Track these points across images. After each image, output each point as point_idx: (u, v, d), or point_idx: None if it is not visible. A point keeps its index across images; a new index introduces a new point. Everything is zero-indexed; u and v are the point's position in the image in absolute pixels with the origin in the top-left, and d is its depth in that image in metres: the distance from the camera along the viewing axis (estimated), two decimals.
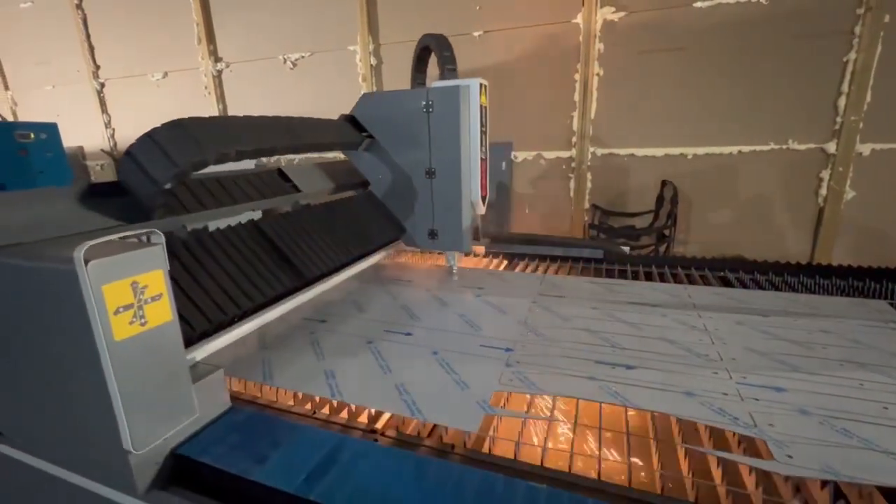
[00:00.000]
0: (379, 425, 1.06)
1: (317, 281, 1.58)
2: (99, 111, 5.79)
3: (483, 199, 1.90)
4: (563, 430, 1.09)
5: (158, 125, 1.09)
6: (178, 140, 1.07)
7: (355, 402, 1.08)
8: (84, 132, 5.95)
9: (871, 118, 3.18)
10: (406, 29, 4.22)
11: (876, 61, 3.09)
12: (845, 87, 3.19)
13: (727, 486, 0.85)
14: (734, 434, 0.94)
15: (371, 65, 4.38)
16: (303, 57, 4.63)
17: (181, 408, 0.89)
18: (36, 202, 1.02)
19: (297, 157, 4.26)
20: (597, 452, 0.93)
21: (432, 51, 2.05)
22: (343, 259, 1.74)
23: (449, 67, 1.91)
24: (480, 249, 2.34)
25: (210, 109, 5.08)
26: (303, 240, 1.61)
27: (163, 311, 0.84)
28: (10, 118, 6.23)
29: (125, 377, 0.77)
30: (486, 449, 0.96)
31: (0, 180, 4.33)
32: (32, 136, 4.53)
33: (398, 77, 4.37)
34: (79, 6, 5.47)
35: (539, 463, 0.89)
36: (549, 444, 0.96)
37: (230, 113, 5.00)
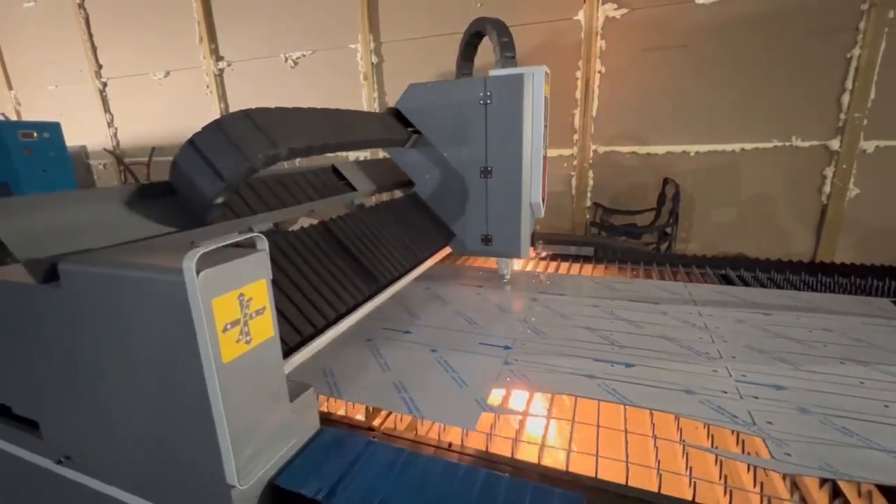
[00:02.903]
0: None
1: (388, 286, 1.45)
2: (101, 110, 5.81)
3: (542, 200, 1.74)
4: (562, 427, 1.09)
5: (224, 115, 0.96)
6: (249, 132, 0.95)
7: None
8: (87, 131, 5.97)
9: (875, 115, 3.15)
10: (407, 27, 4.21)
11: (880, 57, 3.06)
12: (849, 84, 3.16)
13: (725, 484, 0.84)
14: (733, 432, 0.94)
15: (372, 63, 4.38)
16: (304, 55, 4.63)
17: (281, 433, 0.80)
18: (85, 204, 0.91)
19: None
20: (595, 450, 0.92)
21: (483, 37, 1.83)
22: (411, 262, 1.60)
23: (507, 55, 1.70)
24: (534, 253, 2.17)
25: (212, 108, 5.09)
26: (371, 242, 1.48)
27: (265, 327, 0.74)
28: (13, 117, 6.26)
29: (232, 403, 0.68)
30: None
31: (5, 179, 4.35)
32: (36, 135, 4.54)
33: (399, 75, 4.36)
34: (81, 6, 5.48)
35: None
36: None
37: (231, 111, 5.00)
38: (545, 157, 1.71)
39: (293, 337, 1.04)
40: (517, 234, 1.71)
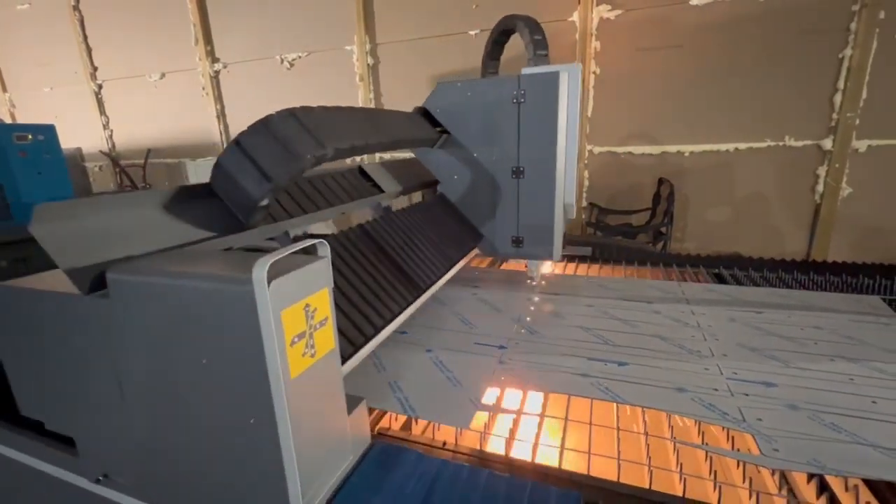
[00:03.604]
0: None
1: (427, 290, 1.41)
2: (97, 112, 5.79)
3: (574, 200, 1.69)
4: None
5: (270, 114, 0.92)
6: (296, 132, 0.91)
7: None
8: (82, 133, 5.95)
9: (867, 114, 3.18)
10: (403, 28, 4.22)
11: (871, 58, 3.09)
12: (841, 84, 3.19)
13: (715, 479, 0.86)
14: (723, 428, 0.95)
15: (368, 64, 4.38)
16: (300, 57, 4.64)
17: (341, 450, 0.77)
18: (124, 209, 0.85)
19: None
20: (587, 448, 0.93)
21: (512, 34, 1.79)
22: (446, 265, 1.56)
23: (540, 53, 1.67)
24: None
25: (208, 110, 5.08)
26: (408, 246, 1.45)
27: (327, 338, 0.71)
28: (8, 120, 6.23)
29: (299, 420, 0.64)
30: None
31: (0, 182, 4.33)
32: (31, 137, 4.52)
33: (396, 76, 4.37)
34: (76, 8, 5.47)
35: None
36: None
37: (227, 113, 5.00)
38: (577, 157, 1.68)
39: (346, 348, 0.99)
40: (550, 235, 1.67)
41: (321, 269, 0.69)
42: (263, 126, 0.89)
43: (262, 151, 0.87)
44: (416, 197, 1.89)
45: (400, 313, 1.19)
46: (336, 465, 0.76)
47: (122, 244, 0.78)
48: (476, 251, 1.83)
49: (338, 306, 1.02)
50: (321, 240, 0.71)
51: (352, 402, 0.83)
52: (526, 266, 1.83)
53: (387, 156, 4.11)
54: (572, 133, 1.62)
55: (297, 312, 0.63)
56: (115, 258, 0.75)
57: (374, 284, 1.18)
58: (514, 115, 1.58)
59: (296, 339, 0.63)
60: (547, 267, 2.06)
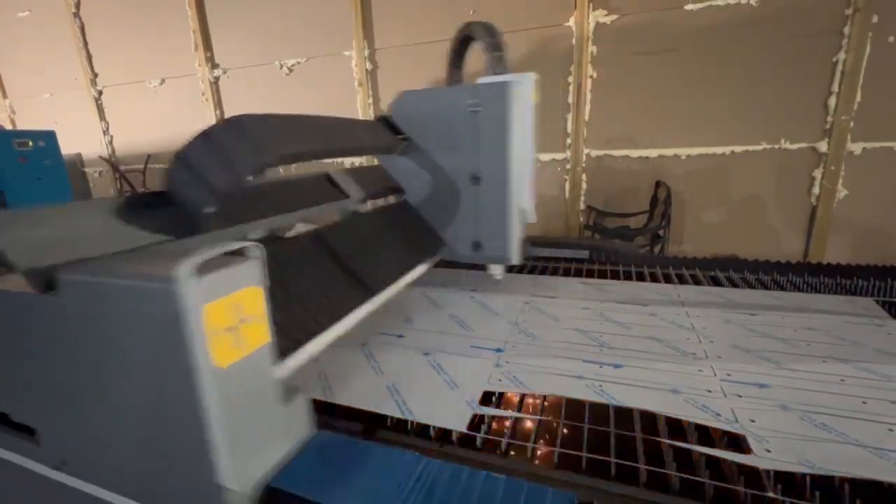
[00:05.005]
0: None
1: (380, 293, 1.45)
2: (97, 118, 5.82)
3: (532, 205, 1.75)
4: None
5: (214, 123, 0.97)
6: (239, 142, 0.97)
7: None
8: (82, 139, 5.97)
9: (861, 117, 3.21)
10: (401, 34, 4.26)
11: (865, 61, 3.12)
12: (836, 87, 3.22)
13: (707, 479, 0.87)
14: (716, 429, 0.96)
15: (366, 69, 4.41)
16: (298, 62, 4.67)
17: (275, 436, 0.83)
18: (83, 215, 0.93)
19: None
20: (582, 449, 0.95)
21: (472, 41, 1.84)
22: (402, 270, 1.60)
23: (496, 54, 1.70)
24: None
25: (207, 116, 5.11)
26: (362, 250, 1.49)
27: (260, 333, 0.77)
28: (8, 126, 6.26)
29: (225, 407, 0.70)
30: None
31: (0, 188, 4.35)
32: (31, 143, 4.55)
33: (394, 81, 4.40)
34: (76, 14, 5.50)
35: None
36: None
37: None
38: (534, 163, 1.73)
39: (287, 343, 1.05)
40: (507, 239, 1.72)
41: (251, 270, 0.74)
42: (204, 137, 0.94)
43: (204, 162, 0.93)
44: (393, 201, 1.94)
45: (348, 314, 1.25)
46: (270, 449, 0.81)
47: (78, 248, 0.84)
48: (438, 256, 1.87)
49: (281, 306, 1.08)
50: (255, 243, 0.76)
51: (292, 393, 0.88)
52: (488, 269, 1.87)
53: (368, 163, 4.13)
54: (527, 140, 1.66)
55: (222, 308, 0.69)
56: (70, 261, 0.81)
57: (323, 287, 1.24)
58: (471, 123, 1.62)
59: (222, 333, 0.69)
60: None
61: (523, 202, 1.72)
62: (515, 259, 1.76)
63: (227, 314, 0.70)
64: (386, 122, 1.77)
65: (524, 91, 1.61)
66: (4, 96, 6.38)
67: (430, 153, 1.76)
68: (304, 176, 1.60)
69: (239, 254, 0.76)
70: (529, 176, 1.70)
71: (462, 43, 1.92)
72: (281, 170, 4.22)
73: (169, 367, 0.69)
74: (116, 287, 0.71)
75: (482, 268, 1.93)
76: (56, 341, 0.82)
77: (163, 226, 1.00)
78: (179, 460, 0.76)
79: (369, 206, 1.79)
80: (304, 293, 1.18)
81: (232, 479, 0.72)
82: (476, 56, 1.86)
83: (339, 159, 4.20)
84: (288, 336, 1.06)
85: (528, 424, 1.07)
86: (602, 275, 2.04)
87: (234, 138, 0.96)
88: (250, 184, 1.09)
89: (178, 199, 0.98)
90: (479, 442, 0.98)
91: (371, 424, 1.05)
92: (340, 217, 1.62)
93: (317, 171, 1.70)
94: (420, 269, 1.73)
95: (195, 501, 0.78)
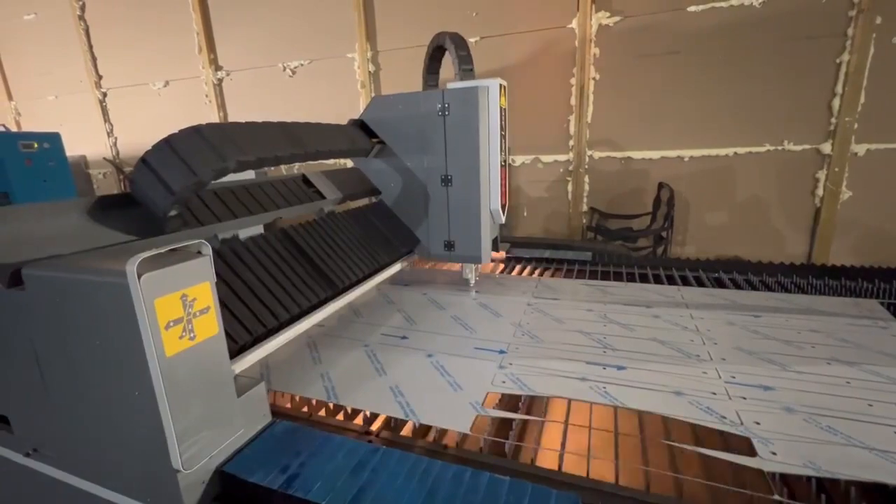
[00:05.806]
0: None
1: (347, 290, 1.51)
2: (101, 120, 5.84)
3: (503, 207, 1.80)
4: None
5: (176, 131, 1.02)
6: (197, 147, 1.02)
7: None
8: (87, 141, 6.00)
9: (865, 119, 3.20)
10: (403, 36, 4.27)
11: (869, 62, 3.11)
12: (839, 89, 3.21)
13: (712, 482, 0.87)
14: (721, 432, 0.96)
15: (369, 72, 4.42)
16: (302, 65, 4.68)
17: (228, 423, 0.86)
18: (53, 214, 0.98)
19: (295, 166, 4.30)
20: (587, 451, 0.95)
21: (446, 50, 1.92)
22: (372, 268, 1.66)
23: (465, 67, 1.78)
24: (499, 255, 2.24)
25: (211, 117, 5.13)
26: (331, 248, 1.55)
27: (210, 325, 0.81)
28: (14, 128, 6.30)
29: (176, 394, 0.74)
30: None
31: (6, 189, 4.38)
32: (36, 145, 4.58)
33: (396, 84, 4.41)
34: (81, 17, 5.54)
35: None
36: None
37: (231, 120, 5.04)
38: (504, 166, 1.78)
39: (244, 336, 1.10)
40: (478, 240, 1.77)
41: (201, 265, 0.79)
42: (166, 144, 1.00)
43: (165, 167, 0.99)
44: (369, 202, 1.99)
45: (311, 309, 1.31)
46: (222, 435, 0.85)
47: (46, 247, 0.90)
48: (414, 255, 1.94)
49: (242, 300, 1.14)
50: (204, 241, 0.82)
51: (249, 383, 0.94)
52: (461, 268, 1.91)
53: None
54: (495, 143, 1.71)
55: (172, 301, 0.74)
56: (36, 258, 0.86)
57: (285, 282, 1.29)
58: (440, 126, 1.70)
59: (172, 324, 0.73)
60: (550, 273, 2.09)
61: (494, 203, 1.77)
62: (486, 259, 1.82)
63: (177, 307, 0.74)
64: (362, 126, 1.84)
65: (492, 96, 1.66)
66: (10, 98, 6.42)
67: (402, 156, 1.84)
68: (279, 178, 1.65)
69: (190, 251, 0.82)
70: (499, 178, 1.75)
71: (437, 50, 2.01)
72: (270, 173, 4.24)
73: (124, 357, 0.74)
74: (75, 282, 0.77)
75: (485, 269, 1.94)
76: (24, 334, 0.87)
77: (130, 226, 1.06)
78: (137, 446, 0.81)
79: (344, 206, 1.85)
80: (265, 289, 1.23)
81: (184, 463, 0.76)
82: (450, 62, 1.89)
83: (334, 161, 4.20)
84: (246, 330, 1.12)
85: (532, 426, 1.07)
86: (605, 276, 2.03)
87: (191, 144, 1.03)
88: (208, 187, 1.16)
89: (141, 200, 1.04)
90: (482, 443, 0.98)
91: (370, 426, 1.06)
92: (315, 217, 1.66)
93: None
94: (395, 267, 1.81)
95: (153, 485, 0.83)
